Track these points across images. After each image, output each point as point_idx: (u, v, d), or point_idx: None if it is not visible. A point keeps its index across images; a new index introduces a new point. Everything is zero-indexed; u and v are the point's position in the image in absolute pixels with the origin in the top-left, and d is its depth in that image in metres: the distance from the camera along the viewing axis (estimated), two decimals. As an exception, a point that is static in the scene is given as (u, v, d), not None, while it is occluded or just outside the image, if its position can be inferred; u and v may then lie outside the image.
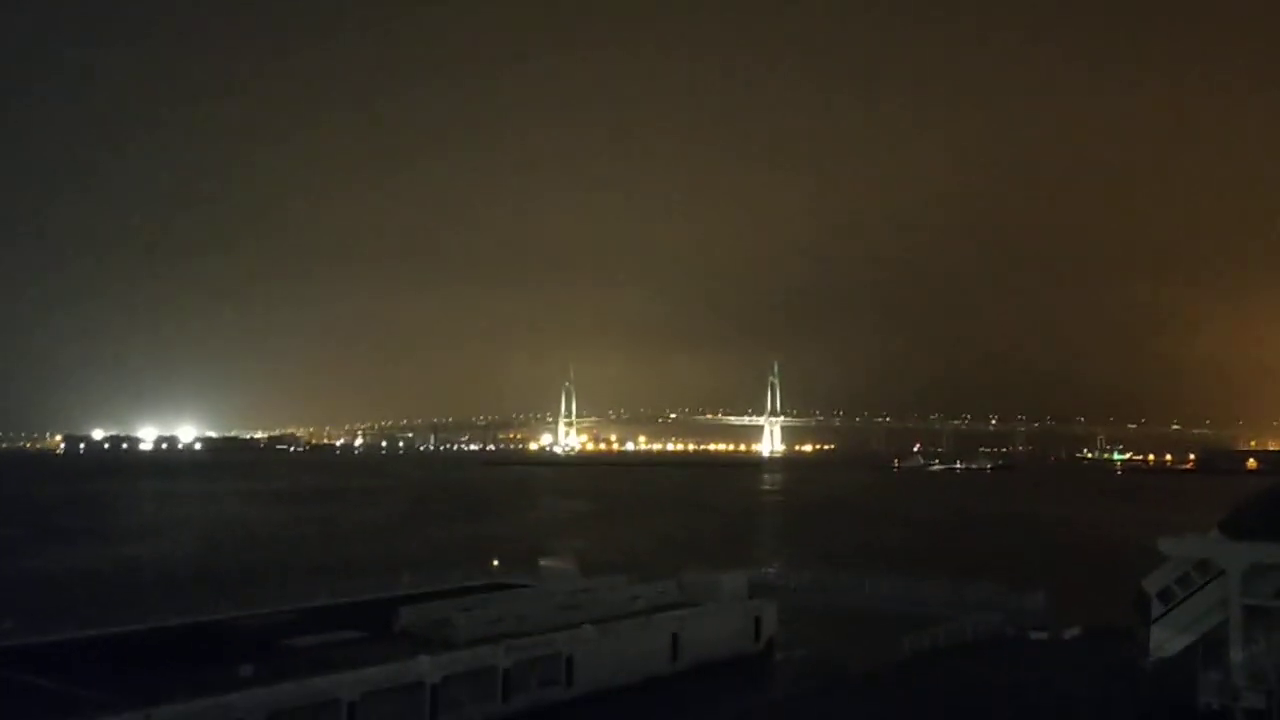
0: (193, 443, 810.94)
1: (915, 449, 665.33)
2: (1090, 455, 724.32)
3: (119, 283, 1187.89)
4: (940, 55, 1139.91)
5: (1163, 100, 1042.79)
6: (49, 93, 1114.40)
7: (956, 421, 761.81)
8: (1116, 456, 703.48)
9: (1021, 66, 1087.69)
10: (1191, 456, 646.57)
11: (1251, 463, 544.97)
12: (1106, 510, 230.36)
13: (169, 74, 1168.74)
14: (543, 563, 74.86)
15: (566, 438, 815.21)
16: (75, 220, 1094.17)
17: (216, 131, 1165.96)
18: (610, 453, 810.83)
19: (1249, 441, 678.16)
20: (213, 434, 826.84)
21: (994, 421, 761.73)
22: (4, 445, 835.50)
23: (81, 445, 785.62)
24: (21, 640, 50.65)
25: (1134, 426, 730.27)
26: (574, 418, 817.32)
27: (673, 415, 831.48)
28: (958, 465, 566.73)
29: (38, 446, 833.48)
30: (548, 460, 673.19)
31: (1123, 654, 48.34)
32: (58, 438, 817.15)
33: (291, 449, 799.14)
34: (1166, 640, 44.71)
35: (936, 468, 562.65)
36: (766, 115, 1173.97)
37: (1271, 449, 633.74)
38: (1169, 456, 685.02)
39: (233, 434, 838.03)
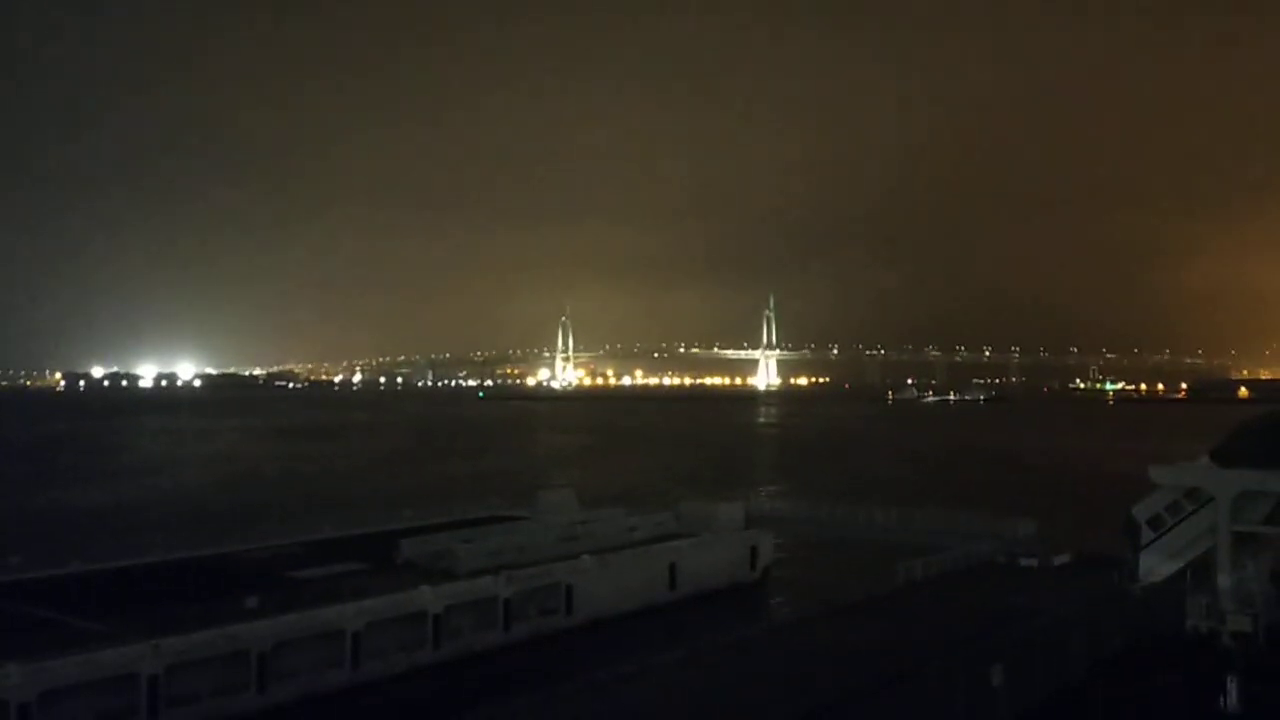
0: (192, 380, 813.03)
1: (909, 381, 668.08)
2: (1083, 385, 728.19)
3: (117, 222, 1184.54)
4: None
5: (1152, 31, 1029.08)
6: (52, 32, 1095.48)
7: (950, 354, 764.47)
8: (1109, 386, 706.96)
9: (1015, 4, 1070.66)
10: (1183, 386, 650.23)
11: (1243, 391, 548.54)
12: (1098, 440, 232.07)
13: (179, 13, 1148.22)
14: (541, 495, 75.65)
15: (564, 373, 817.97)
16: (76, 161, 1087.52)
17: (219, 75, 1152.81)
18: (607, 387, 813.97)
19: (1241, 370, 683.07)
20: (212, 371, 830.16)
21: (988, 353, 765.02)
22: (4, 383, 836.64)
23: (81, 382, 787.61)
24: (28, 575, 51.36)
25: (1125, 358, 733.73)
26: (571, 353, 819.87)
27: (669, 350, 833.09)
28: (951, 397, 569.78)
29: (37, 384, 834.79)
30: (545, 395, 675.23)
31: (1112, 580, 49.16)
32: (58, 375, 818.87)
33: (290, 385, 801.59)
34: (1155, 566, 45.52)
35: (930, 400, 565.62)
36: (762, 55, 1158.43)
37: (1263, 377, 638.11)
38: (1161, 386, 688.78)
39: (231, 371, 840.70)
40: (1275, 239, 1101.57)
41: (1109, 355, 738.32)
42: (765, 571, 68.54)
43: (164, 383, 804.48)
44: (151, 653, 37.98)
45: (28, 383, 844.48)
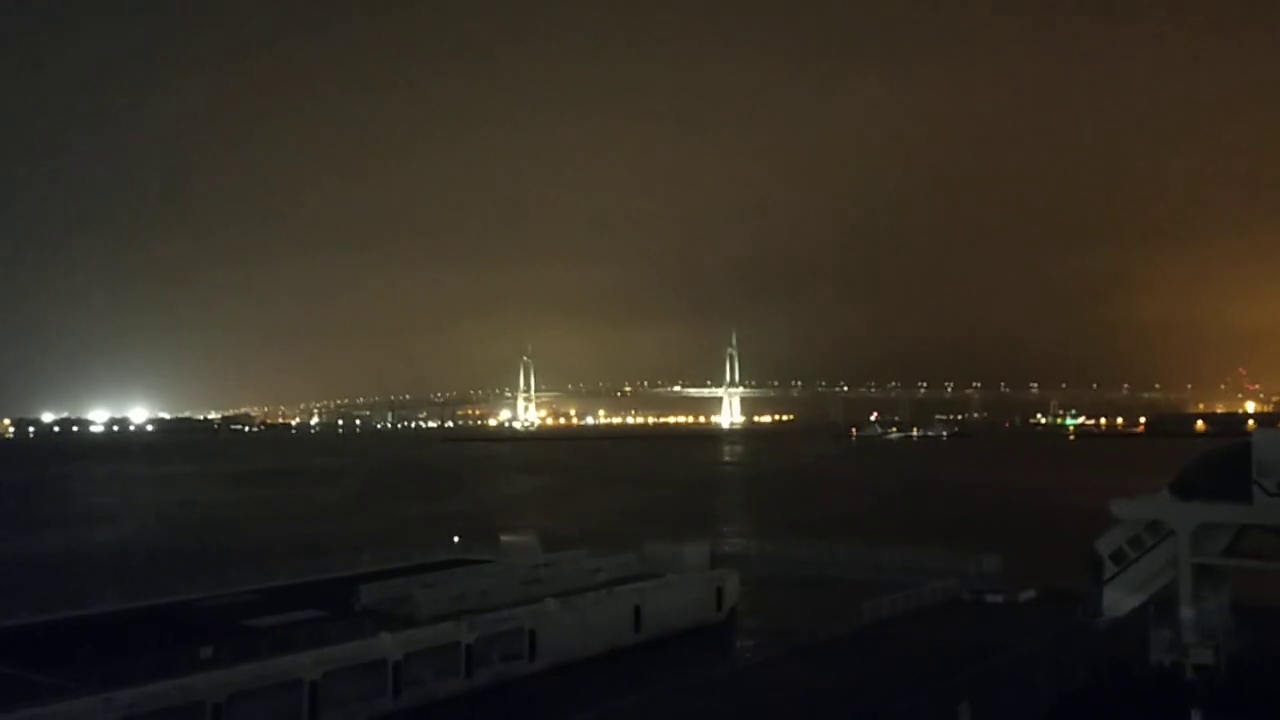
0: (145, 424, 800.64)
1: (872, 417, 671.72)
2: (1044, 420, 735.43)
3: (69, 266, 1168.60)
4: (892, 28, 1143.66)
5: (1109, 67, 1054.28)
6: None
7: (913, 390, 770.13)
8: (1069, 421, 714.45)
9: (970, 41, 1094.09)
10: (1142, 420, 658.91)
11: (1200, 425, 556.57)
12: (1059, 474, 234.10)
13: (130, 55, 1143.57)
14: (504, 538, 74.80)
15: (526, 413, 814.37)
16: (25, 205, 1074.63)
17: (169, 120, 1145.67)
18: (570, 427, 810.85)
19: (1198, 404, 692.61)
20: (165, 415, 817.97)
21: (950, 389, 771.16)
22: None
23: (31, 429, 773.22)
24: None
25: (1085, 393, 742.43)
26: (533, 393, 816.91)
27: (631, 389, 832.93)
28: (914, 433, 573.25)
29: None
30: (507, 436, 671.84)
31: (1076, 614, 49.24)
32: (6, 421, 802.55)
33: (246, 429, 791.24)
34: (1119, 600, 45.59)
35: (894, 436, 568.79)
36: (722, 89, 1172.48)
37: (1219, 411, 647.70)
38: (1120, 420, 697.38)
39: (185, 415, 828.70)
40: (1231, 273, 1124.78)
41: (1069, 390, 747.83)
42: (731, 612, 68.10)
43: (116, 428, 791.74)
44: (104, 706, 36.91)
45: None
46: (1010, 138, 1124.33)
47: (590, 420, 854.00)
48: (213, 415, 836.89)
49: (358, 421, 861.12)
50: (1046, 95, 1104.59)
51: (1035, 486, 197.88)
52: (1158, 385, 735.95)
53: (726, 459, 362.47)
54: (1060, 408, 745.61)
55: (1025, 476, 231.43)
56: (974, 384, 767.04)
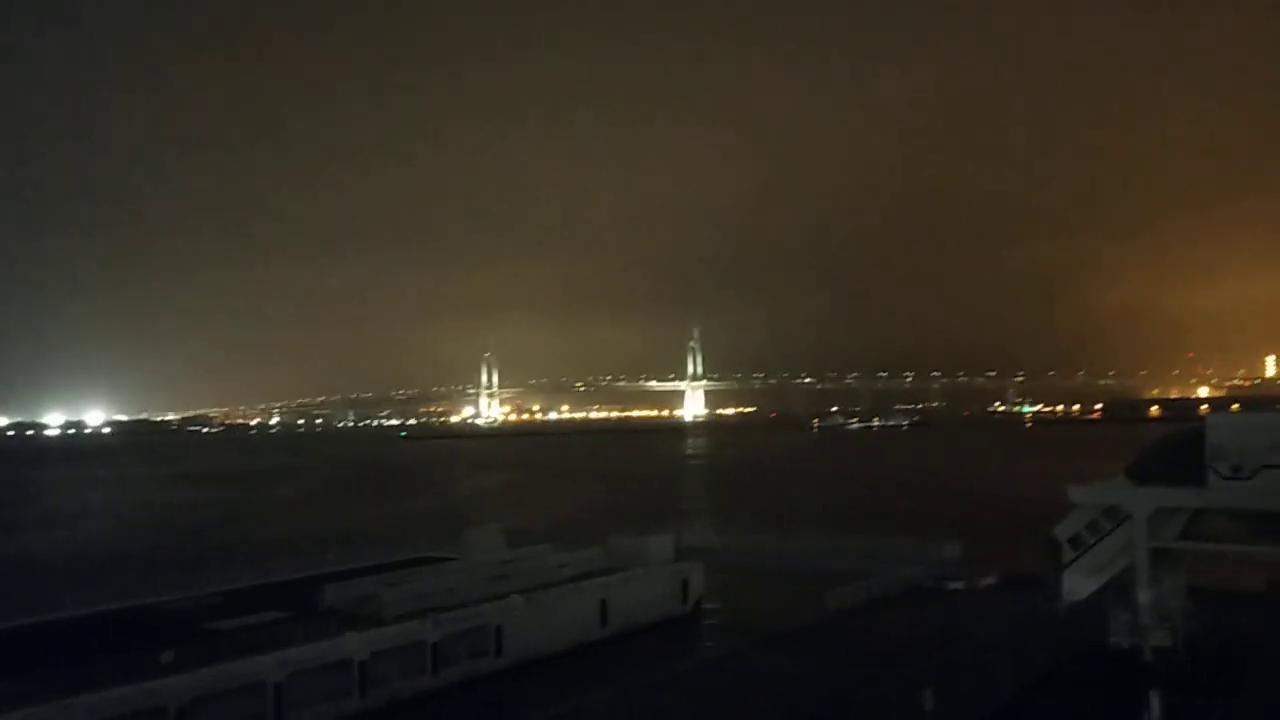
0: (101, 427, 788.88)
1: (833, 409, 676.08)
2: (1002, 408, 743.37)
3: (19, 266, 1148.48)
4: (855, 19, 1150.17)
5: (1063, 55, 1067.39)
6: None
7: (873, 380, 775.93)
8: (1026, 409, 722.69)
9: (932, 30, 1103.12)
10: (1098, 407, 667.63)
11: (1155, 410, 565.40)
12: (1017, 462, 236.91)
13: (89, 53, 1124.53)
14: (468, 535, 74.55)
15: (489, 409, 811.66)
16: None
17: (127, 123, 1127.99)
18: (533, 423, 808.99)
19: (1152, 390, 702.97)
20: (123, 417, 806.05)
21: (909, 379, 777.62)
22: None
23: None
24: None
25: (1041, 380, 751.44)
26: (495, 389, 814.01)
27: (595, 383, 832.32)
28: (875, 423, 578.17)
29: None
30: (470, 433, 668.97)
31: (1036, 600, 49.93)
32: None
33: (205, 430, 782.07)
34: (1078, 584, 46.26)
35: (854, 426, 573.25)
36: (682, 82, 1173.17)
37: (1173, 396, 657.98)
38: (1076, 407, 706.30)
39: (143, 417, 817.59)
40: (1184, 262, 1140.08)
41: (1025, 378, 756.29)
42: (697, 604, 68.39)
43: (72, 431, 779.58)
44: (64, 712, 36.41)
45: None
46: (963, 129, 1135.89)
47: (554, 415, 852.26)
48: (171, 417, 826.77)
49: (319, 421, 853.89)
50: (1000, 85, 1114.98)
51: (993, 474, 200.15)
52: (1112, 372, 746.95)
53: (690, 452, 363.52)
54: (1017, 396, 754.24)
55: (984, 464, 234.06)
56: (933, 374, 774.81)
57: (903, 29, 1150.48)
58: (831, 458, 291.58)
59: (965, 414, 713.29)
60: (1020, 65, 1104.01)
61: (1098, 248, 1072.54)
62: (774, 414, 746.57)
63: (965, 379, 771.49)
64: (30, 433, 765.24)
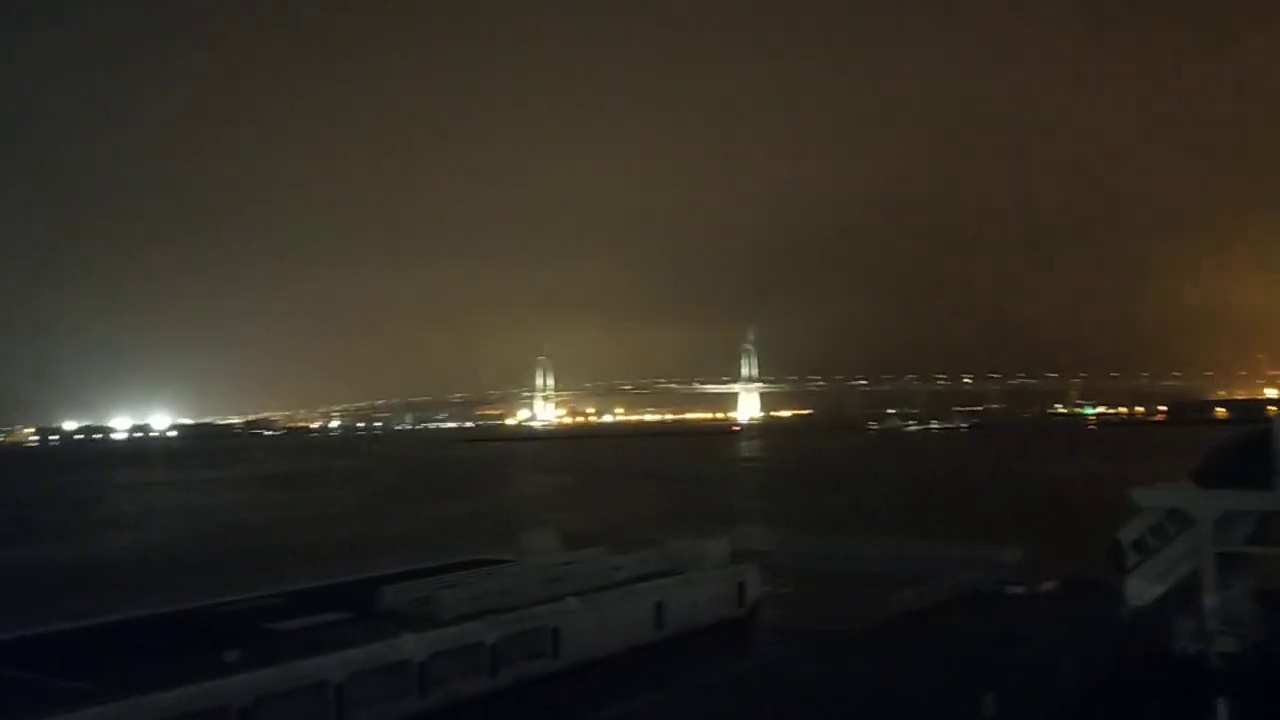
0: (167, 430, 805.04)
1: (890, 411, 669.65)
2: (1063, 410, 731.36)
3: (87, 272, 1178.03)
4: (913, 15, 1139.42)
5: (1134, 52, 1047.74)
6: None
7: (931, 382, 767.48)
8: (1089, 411, 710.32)
9: (991, 25, 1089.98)
10: (1162, 408, 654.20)
11: (1221, 411, 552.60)
12: (1080, 464, 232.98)
13: (128, 52, 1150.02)
14: (524, 537, 74.98)
15: (544, 412, 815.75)
16: (39, 210, 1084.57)
17: (180, 115, 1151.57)
18: (588, 425, 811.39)
19: (1218, 391, 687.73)
20: (187, 421, 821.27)
21: (968, 380, 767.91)
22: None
23: (53, 437, 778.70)
24: (2, 635, 50.35)
25: (1104, 381, 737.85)
26: (550, 391, 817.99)
27: (649, 386, 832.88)
28: (933, 425, 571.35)
29: (8, 440, 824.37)
30: (526, 435, 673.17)
31: (1099, 605, 49.11)
32: (29, 430, 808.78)
33: (267, 433, 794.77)
34: (1142, 589, 45.41)
35: (912, 428, 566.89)
36: (738, 82, 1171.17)
37: (1239, 397, 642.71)
38: (1140, 408, 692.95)
39: (207, 420, 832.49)
40: (1252, 260, 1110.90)
41: (1088, 379, 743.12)
42: (753, 607, 68.02)
43: (138, 434, 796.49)
44: (128, 712, 37.18)
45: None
46: (1024, 126, 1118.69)
47: (608, 418, 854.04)
48: (234, 420, 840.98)
49: (377, 424, 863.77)
50: (1075, 79, 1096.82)
51: (1055, 477, 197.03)
52: (1177, 373, 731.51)
53: (744, 454, 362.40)
54: (1079, 397, 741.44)
55: (1045, 467, 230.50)
56: (992, 375, 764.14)
57: (963, 22, 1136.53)
58: (888, 460, 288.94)
59: (1026, 416, 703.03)
60: (1076, 56, 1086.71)
61: (1163, 245, 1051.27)
62: (829, 417, 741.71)
63: (1026, 381, 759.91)
64: (98, 436, 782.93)
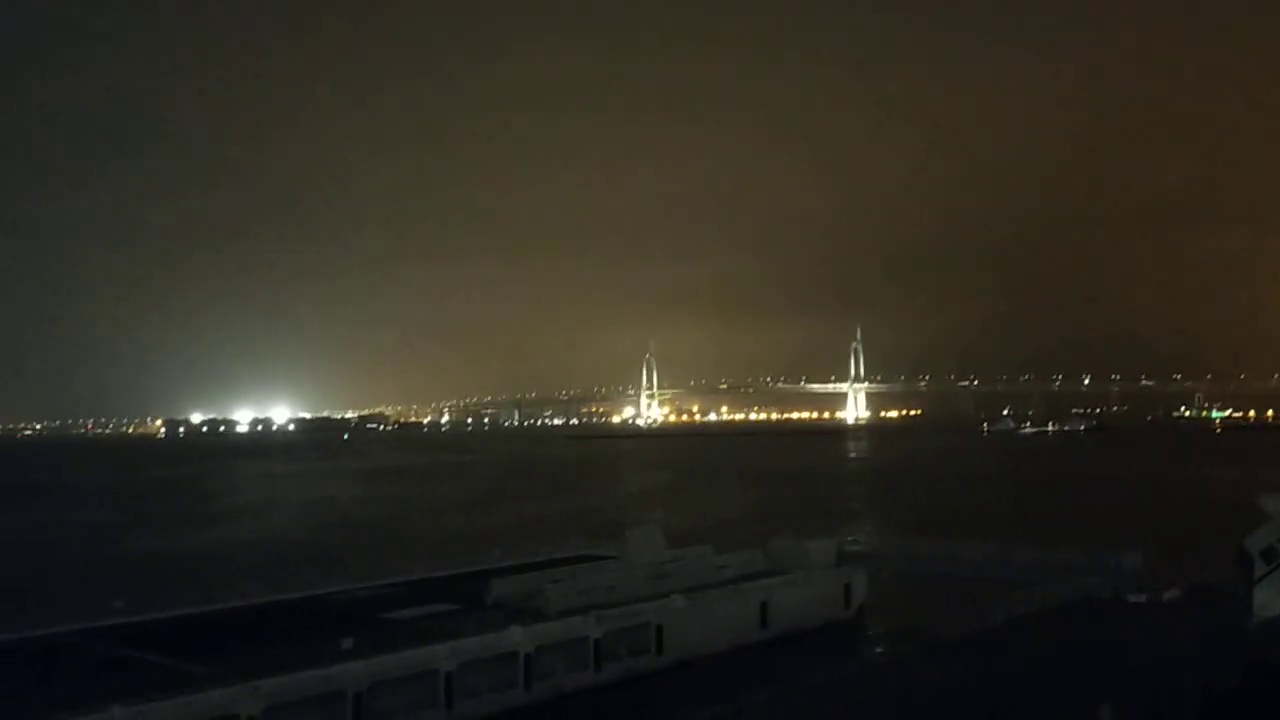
0: (286, 424, 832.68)
1: (1005, 412, 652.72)
2: (1188, 413, 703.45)
3: (216, 273, 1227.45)
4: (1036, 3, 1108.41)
5: (1260, 42, 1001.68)
6: (152, 99, 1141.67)
7: (1047, 383, 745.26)
8: (1215, 414, 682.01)
9: (1117, 14, 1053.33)
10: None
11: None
12: (1205, 469, 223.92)
13: (275, 74, 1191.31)
14: (629, 534, 75.40)
15: (649, 410, 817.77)
16: (180, 219, 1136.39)
17: (309, 126, 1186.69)
18: (692, 424, 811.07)
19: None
20: (305, 415, 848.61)
21: (1087, 381, 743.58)
22: (107, 431, 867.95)
23: (181, 429, 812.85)
24: (132, 618, 52.80)
25: (1231, 384, 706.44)
26: (656, 389, 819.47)
27: (755, 384, 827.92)
28: (1049, 427, 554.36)
29: (139, 431, 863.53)
30: (631, 433, 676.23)
31: (1225, 615, 47.18)
32: (158, 422, 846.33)
33: (380, 428, 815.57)
34: (1270, 599, 43.56)
35: (1027, 430, 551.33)
36: (844, 75, 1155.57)
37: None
38: (1270, 412, 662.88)
39: (324, 414, 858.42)
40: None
41: (1215, 381, 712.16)
42: (860, 609, 67.17)
43: (259, 427, 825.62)
44: (250, 694, 38.57)
45: (130, 430, 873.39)
46: (1153, 117, 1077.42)
47: (713, 417, 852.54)
48: (349, 414, 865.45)
49: (486, 419, 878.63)
50: (1180, 69, 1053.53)
51: (1179, 481, 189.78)
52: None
53: (852, 455, 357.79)
54: (1206, 400, 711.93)
55: (1168, 471, 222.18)
56: (1113, 376, 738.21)
57: (1091, 12, 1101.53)
58: (1001, 462, 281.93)
59: (1148, 419, 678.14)
60: (1200, 48, 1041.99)
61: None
62: (940, 417, 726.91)
63: (1149, 383, 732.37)
64: (222, 429, 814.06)
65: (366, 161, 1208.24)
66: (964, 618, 56.85)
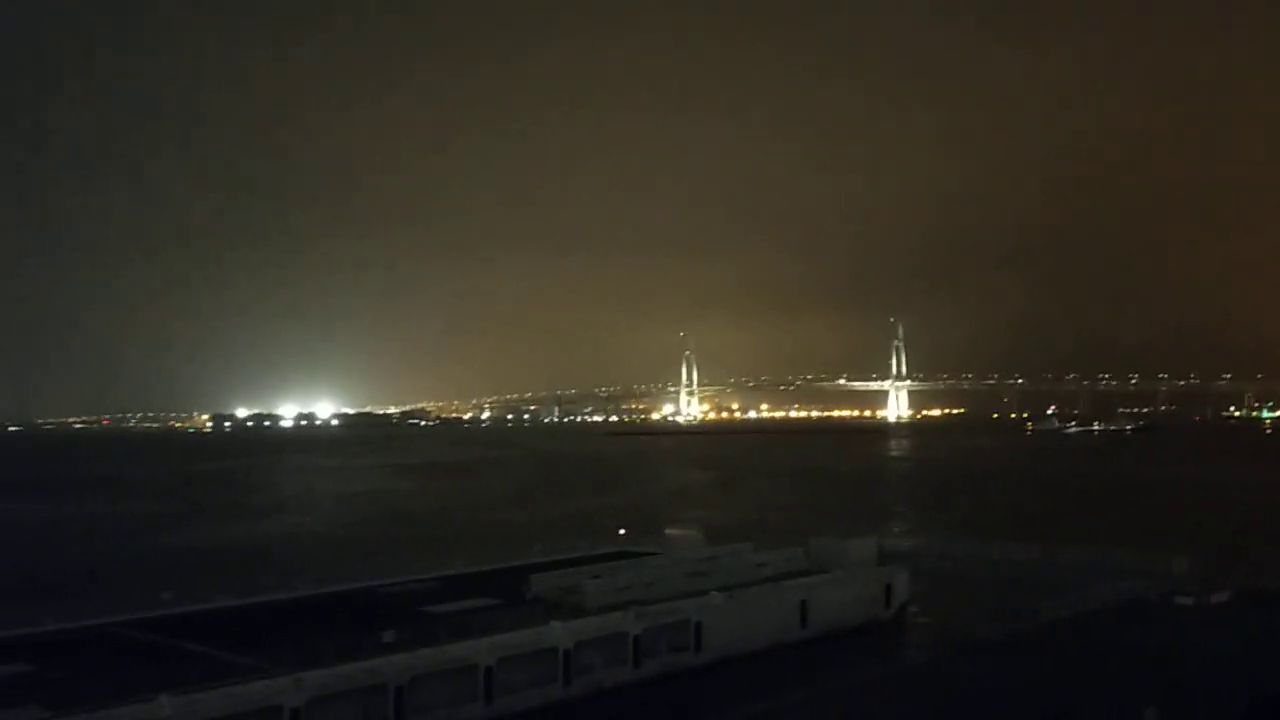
0: (330, 419, 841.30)
1: (1050, 410, 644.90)
2: (1238, 413, 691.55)
3: (260, 269, 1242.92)
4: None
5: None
6: (193, 91, 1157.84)
7: (1093, 382, 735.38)
8: (1266, 414, 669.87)
9: (1180, 10, 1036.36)
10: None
11: None
12: (1255, 470, 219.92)
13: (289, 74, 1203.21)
14: (669, 531, 75.43)
15: (688, 407, 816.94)
16: (217, 213, 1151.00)
17: (349, 122, 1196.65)
18: (732, 421, 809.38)
19: None
20: (348, 410, 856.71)
21: (1134, 381, 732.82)
22: (155, 424, 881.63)
23: (227, 423, 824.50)
24: (179, 609, 53.57)
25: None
26: (695, 386, 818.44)
27: (795, 382, 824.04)
28: (1095, 427, 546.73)
29: (186, 425, 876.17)
30: (670, 430, 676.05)
31: (1275, 618, 46.33)
32: (205, 416, 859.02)
33: (422, 423, 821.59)
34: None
35: (1073, 430, 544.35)
36: (892, 68, 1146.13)
37: None
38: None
39: (367, 409, 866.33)
40: None
41: (1265, 380, 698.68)
42: (901, 609, 66.64)
43: (304, 422, 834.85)
44: (294, 686, 38.94)
45: (177, 424, 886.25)
46: (1201, 119, 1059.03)
47: (753, 414, 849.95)
48: (392, 410, 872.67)
49: (526, 415, 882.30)
50: (1230, 61, 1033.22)
51: (1228, 483, 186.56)
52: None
53: (893, 453, 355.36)
54: (1256, 400, 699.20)
55: (1217, 472, 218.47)
56: (1160, 375, 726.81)
57: (1142, 12, 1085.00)
58: (1046, 462, 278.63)
59: (1197, 419, 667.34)
60: (1246, 39, 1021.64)
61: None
62: (987, 415, 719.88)
63: (1197, 382, 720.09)
64: (267, 424, 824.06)
65: (409, 156, 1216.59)
66: (1006, 619, 56.29)
